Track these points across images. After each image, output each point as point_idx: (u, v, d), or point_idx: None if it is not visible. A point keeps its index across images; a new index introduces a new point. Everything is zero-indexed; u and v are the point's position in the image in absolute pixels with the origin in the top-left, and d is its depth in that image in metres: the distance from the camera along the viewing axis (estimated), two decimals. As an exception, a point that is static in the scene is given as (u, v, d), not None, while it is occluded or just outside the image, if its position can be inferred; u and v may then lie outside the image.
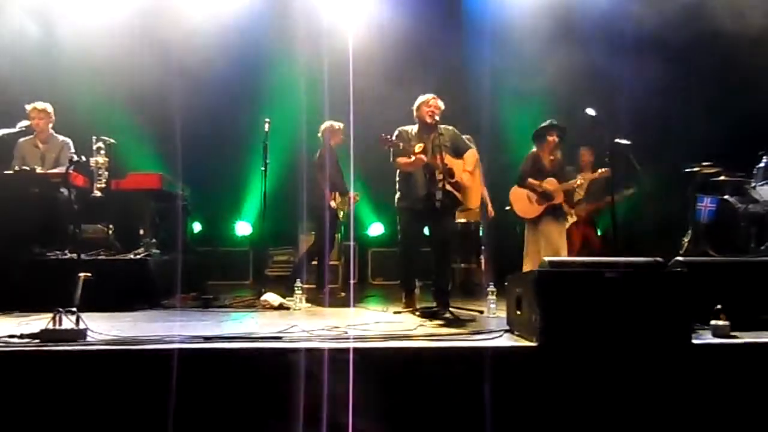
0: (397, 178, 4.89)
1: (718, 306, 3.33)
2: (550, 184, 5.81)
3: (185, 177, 6.96)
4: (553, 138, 5.83)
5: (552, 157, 5.94)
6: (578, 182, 6.06)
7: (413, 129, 4.86)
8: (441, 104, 4.81)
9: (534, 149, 5.94)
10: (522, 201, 5.86)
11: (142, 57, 7.41)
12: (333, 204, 6.14)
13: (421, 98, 4.86)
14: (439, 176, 4.61)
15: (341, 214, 6.35)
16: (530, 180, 5.84)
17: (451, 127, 4.91)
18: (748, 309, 3.56)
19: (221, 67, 7.68)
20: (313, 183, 6.16)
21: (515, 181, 5.92)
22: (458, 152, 4.86)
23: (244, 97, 7.71)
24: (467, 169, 4.84)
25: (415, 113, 4.87)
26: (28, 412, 2.84)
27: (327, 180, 6.00)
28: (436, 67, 7.71)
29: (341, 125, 6.26)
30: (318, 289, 6.09)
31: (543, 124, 5.88)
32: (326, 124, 6.24)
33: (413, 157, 4.60)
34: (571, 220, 6.48)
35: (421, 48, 7.91)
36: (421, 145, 4.66)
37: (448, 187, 4.63)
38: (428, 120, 4.73)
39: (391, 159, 4.80)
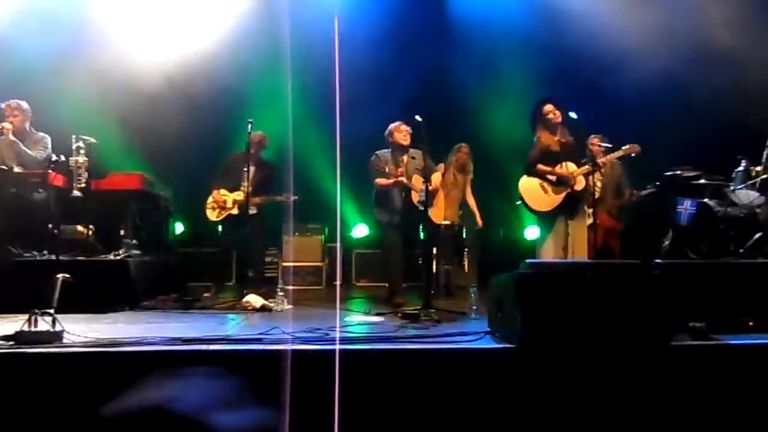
0: (374, 190, 5.52)
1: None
2: (566, 168, 4.97)
3: (167, 177, 6.90)
4: (550, 114, 4.99)
5: (560, 139, 5.04)
6: (603, 160, 5.13)
7: (387, 153, 5.52)
8: (409, 128, 5.45)
9: (536, 137, 5.12)
10: (535, 191, 5.03)
11: (123, 56, 7.33)
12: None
13: (392, 126, 5.53)
14: (415, 195, 5.29)
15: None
16: (540, 166, 4.99)
17: (420, 151, 5.42)
18: (726, 311, 3.59)
19: (205, 67, 7.61)
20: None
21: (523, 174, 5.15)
22: (427, 173, 5.25)
23: (228, 97, 7.64)
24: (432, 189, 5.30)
25: (388, 138, 5.51)
26: (2, 415, 2.79)
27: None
28: (421, 72, 7.73)
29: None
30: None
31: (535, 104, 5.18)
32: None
33: (392, 180, 5.31)
34: (588, 221, 5.30)
35: (408, 52, 7.89)
36: (402, 168, 5.37)
37: (420, 207, 5.21)
38: (404, 142, 5.42)
39: (371, 179, 5.47)
